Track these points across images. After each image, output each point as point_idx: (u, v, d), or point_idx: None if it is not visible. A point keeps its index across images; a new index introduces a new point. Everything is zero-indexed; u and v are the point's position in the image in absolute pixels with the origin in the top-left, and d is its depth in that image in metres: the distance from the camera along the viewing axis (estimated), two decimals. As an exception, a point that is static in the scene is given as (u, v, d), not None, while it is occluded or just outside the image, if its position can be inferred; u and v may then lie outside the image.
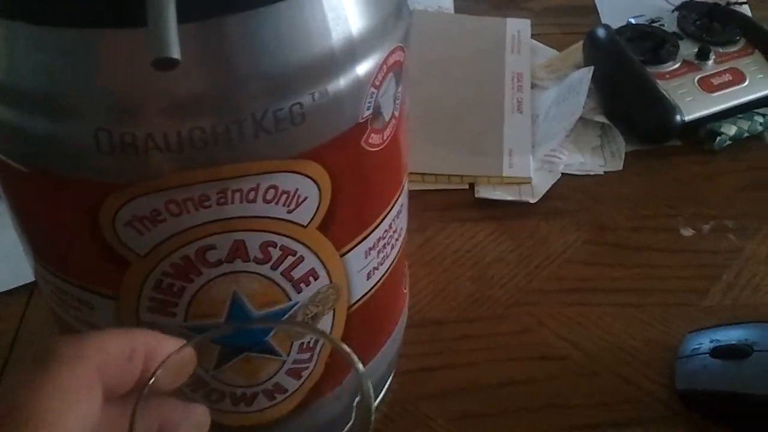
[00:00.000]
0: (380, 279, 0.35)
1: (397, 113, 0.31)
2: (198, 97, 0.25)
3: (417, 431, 0.41)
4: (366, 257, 0.33)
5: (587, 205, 0.53)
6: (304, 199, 0.29)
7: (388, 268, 0.35)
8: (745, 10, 0.67)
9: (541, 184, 0.54)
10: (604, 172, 0.55)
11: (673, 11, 0.65)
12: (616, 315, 0.46)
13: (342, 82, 0.27)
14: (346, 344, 0.29)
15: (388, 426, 0.41)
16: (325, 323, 0.33)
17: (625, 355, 0.44)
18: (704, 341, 0.42)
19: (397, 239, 0.36)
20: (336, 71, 0.27)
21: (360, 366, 0.27)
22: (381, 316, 0.38)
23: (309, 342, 0.33)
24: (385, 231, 0.34)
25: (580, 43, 0.65)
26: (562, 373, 0.43)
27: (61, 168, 0.27)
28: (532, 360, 0.44)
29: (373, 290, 0.35)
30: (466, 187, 0.55)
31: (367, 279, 0.34)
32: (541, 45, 0.68)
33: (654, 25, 0.63)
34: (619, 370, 0.43)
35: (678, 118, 0.56)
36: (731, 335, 0.41)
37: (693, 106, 0.57)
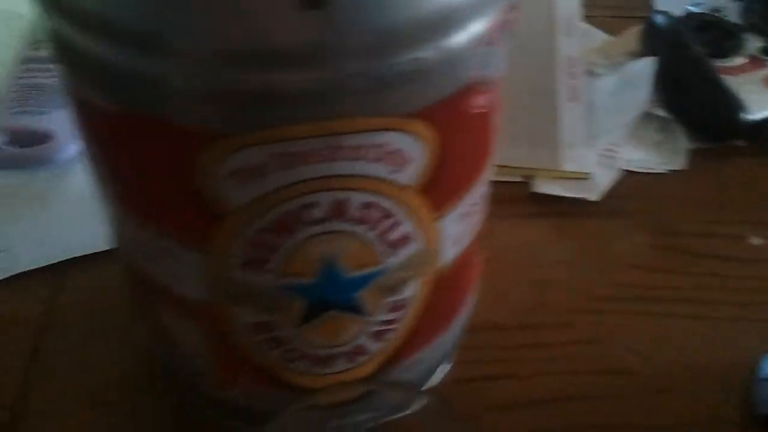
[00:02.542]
0: (464, 248, 0.35)
1: (501, 75, 0.31)
2: (316, 47, 0.24)
3: (479, 446, 0.38)
4: (458, 223, 0.33)
5: (650, 205, 0.50)
6: (409, 160, 0.28)
7: (473, 234, 0.35)
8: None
9: (602, 180, 0.51)
10: (667, 170, 0.52)
11: (735, 0, 0.61)
12: (686, 328, 0.43)
13: (460, 38, 0.26)
14: (428, 313, 0.32)
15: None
16: (411, 288, 0.33)
17: (696, 372, 0.41)
18: (787, 363, 0.39)
19: (482, 207, 0.35)
20: (455, 26, 0.26)
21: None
22: (461, 283, 0.38)
23: (398, 301, 0.33)
24: (477, 196, 0.34)
25: (635, 28, 0.61)
26: (628, 389, 0.41)
27: (164, 113, 0.26)
28: (597, 374, 0.42)
29: (459, 257, 0.34)
30: (520, 179, 0.51)
31: (455, 245, 0.34)
32: (591, 27, 0.65)
33: (716, 15, 0.60)
34: (690, 389, 0.41)
35: (745, 116, 0.53)
36: (818, 359, 0.39)
37: (759, 105, 0.54)
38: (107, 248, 0.37)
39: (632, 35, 0.62)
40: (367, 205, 0.29)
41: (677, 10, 0.61)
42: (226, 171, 0.27)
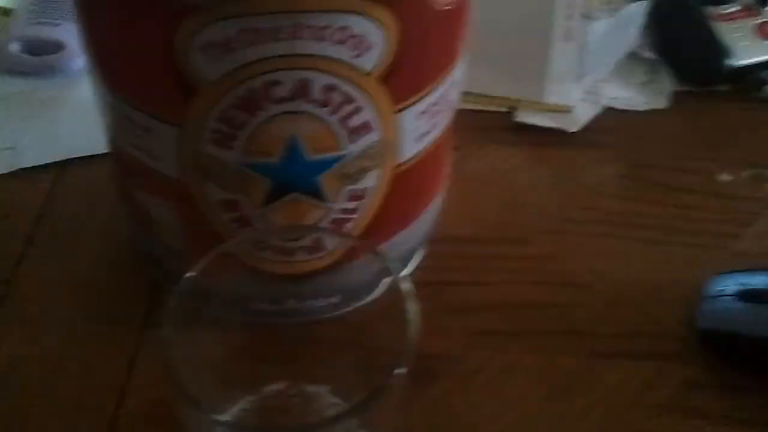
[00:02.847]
0: (428, 145, 0.37)
1: None
2: None
3: (434, 342, 0.41)
4: (419, 119, 0.35)
5: (627, 140, 0.52)
6: (371, 46, 0.31)
7: (437, 136, 0.37)
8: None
9: (583, 114, 0.53)
10: (649, 109, 0.54)
11: (737, -48, 0.63)
12: (644, 251, 0.46)
13: None
14: (388, 206, 0.35)
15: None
16: (371, 179, 0.35)
17: (648, 290, 0.44)
18: (731, 284, 0.42)
19: (448, 110, 0.38)
20: None
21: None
22: (423, 183, 0.40)
23: (359, 190, 0.36)
24: (439, 97, 0.36)
25: (637, -24, 0.63)
26: (583, 301, 0.44)
27: None
28: (555, 285, 0.44)
29: (421, 154, 0.37)
30: (506, 110, 0.54)
31: (417, 142, 0.36)
32: (597, -26, 0.66)
33: (716, -36, 0.61)
34: (641, 305, 0.43)
35: (729, 62, 0.55)
36: (759, 280, 0.41)
37: (746, 52, 0.55)
38: (105, 151, 0.40)
39: (634, -18, 0.63)
40: (330, 88, 0.32)
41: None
42: (199, 44, 0.30)
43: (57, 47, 0.53)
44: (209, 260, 0.32)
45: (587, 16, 0.61)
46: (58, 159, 0.49)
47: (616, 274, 0.45)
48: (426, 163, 0.38)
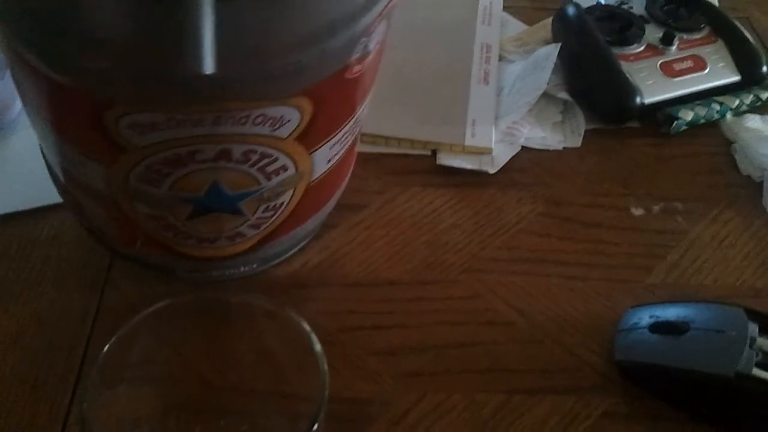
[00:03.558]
0: (337, 160, 0.40)
1: (380, 46, 0.35)
2: (219, 55, 0.28)
3: (364, 386, 0.42)
4: (330, 150, 0.38)
5: (544, 179, 0.54)
6: (288, 121, 0.33)
7: (343, 153, 0.40)
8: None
9: (501, 155, 0.55)
10: (563, 147, 0.57)
11: (642, -6, 0.66)
12: (563, 287, 0.48)
13: (340, 40, 0.31)
14: (300, 209, 0.39)
15: (336, 378, 0.42)
16: (286, 196, 0.38)
17: (567, 326, 0.46)
18: (644, 316, 0.44)
19: (356, 132, 0.40)
20: (335, 32, 0.31)
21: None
22: (331, 187, 0.43)
23: (274, 205, 0.38)
24: (347, 132, 0.38)
25: (550, 19, 0.66)
26: (507, 338, 0.45)
27: (72, 79, 0.31)
28: (479, 325, 0.46)
29: (330, 169, 0.39)
30: (429, 153, 0.55)
31: (327, 163, 0.39)
32: (512, 18, 0.69)
33: (623, 6, 0.64)
34: (561, 339, 0.45)
35: (638, 100, 0.57)
36: (670, 312, 0.43)
37: (654, 90, 0.58)
38: (44, 204, 0.42)
39: (546, 25, 0.66)
40: (249, 151, 0.34)
41: (590, 2, 0.65)
42: (125, 124, 0.31)
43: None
44: (126, 331, 0.33)
45: (503, 59, 0.64)
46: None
47: (537, 310, 0.46)
48: (333, 174, 0.41)
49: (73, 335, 0.43)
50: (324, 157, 0.38)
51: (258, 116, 0.32)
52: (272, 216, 0.40)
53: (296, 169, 0.36)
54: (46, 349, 0.43)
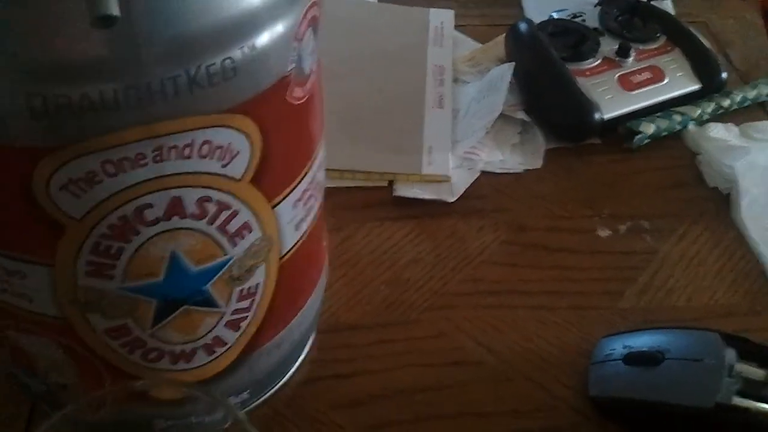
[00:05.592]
0: (306, 230, 0.37)
1: (315, 67, 0.33)
2: (133, 55, 0.26)
3: (327, 443, 0.40)
4: (294, 208, 0.35)
5: (506, 204, 0.52)
6: (237, 153, 0.30)
7: (313, 219, 0.37)
8: (667, 6, 0.67)
9: (460, 182, 0.53)
10: (524, 170, 0.55)
11: (595, 6, 0.64)
12: (531, 318, 0.46)
13: (268, 36, 0.29)
14: (279, 297, 0.35)
15: (296, 437, 0.39)
16: (259, 275, 0.35)
17: (539, 360, 0.44)
18: (617, 347, 0.42)
19: (318, 191, 0.38)
20: (262, 25, 0.29)
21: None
22: (308, 267, 0.40)
23: (248, 288, 0.35)
24: (309, 183, 0.36)
25: (503, 36, 0.64)
26: (476, 378, 0.43)
27: None
28: (446, 366, 0.43)
29: (301, 241, 0.36)
30: (386, 184, 0.53)
31: (296, 230, 0.36)
32: (464, 37, 0.67)
33: (576, 20, 0.63)
34: (533, 376, 0.43)
35: (597, 116, 0.56)
36: (644, 341, 0.41)
37: (612, 104, 0.57)
38: None
39: (500, 43, 0.64)
40: (203, 200, 0.31)
41: (543, 17, 0.63)
42: (59, 184, 0.28)
43: None
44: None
45: (457, 81, 0.62)
46: None
47: (506, 346, 0.44)
48: (306, 248, 0.37)
49: None
50: (290, 219, 0.35)
51: (203, 143, 0.29)
52: (249, 307, 0.36)
53: (261, 231, 0.33)
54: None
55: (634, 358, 0.40)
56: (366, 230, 0.51)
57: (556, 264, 0.49)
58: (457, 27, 0.67)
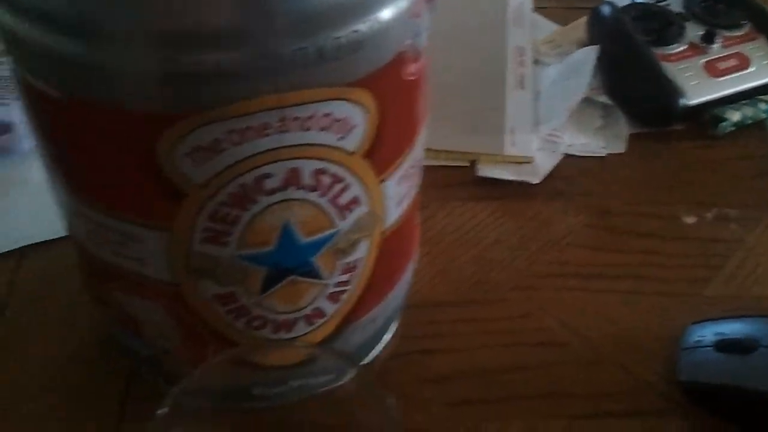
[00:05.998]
0: (406, 208, 0.37)
1: (426, 44, 0.33)
2: (266, 25, 0.26)
3: (416, 415, 0.40)
4: (399, 185, 0.35)
5: (589, 187, 0.52)
6: (353, 127, 0.31)
7: (413, 197, 0.38)
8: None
9: (544, 164, 0.53)
10: (607, 154, 0.54)
11: (678, -10, 0.63)
12: (618, 303, 0.45)
13: (392, 11, 0.29)
14: (378, 271, 0.36)
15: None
16: (361, 249, 0.35)
17: (624, 345, 0.43)
18: (707, 333, 0.41)
19: (418, 170, 0.38)
20: (386, 1, 0.29)
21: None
22: (405, 243, 0.40)
23: (351, 262, 0.35)
24: (413, 160, 0.36)
25: (583, 19, 0.63)
26: (561, 360, 0.43)
27: (114, 99, 0.28)
28: (531, 346, 0.44)
29: (401, 218, 0.37)
30: (467, 164, 0.53)
31: (397, 206, 0.36)
32: (543, 18, 0.66)
33: (660, 4, 0.62)
34: (620, 360, 0.43)
35: (682, 102, 0.55)
36: (736, 329, 0.41)
37: (698, 90, 0.56)
38: (63, 235, 0.38)
39: (580, 26, 0.64)
40: (319, 172, 0.31)
41: (624, 1, 0.63)
42: (184, 151, 0.28)
43: (5, 128, 0.51)
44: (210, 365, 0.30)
45: (538, 63, 0.61)
46: (15, 247, 0.47)
47: (592, 329, 0.44)
48: (405, 225, 0.38)
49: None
50: (394, 195, 0.35)
51: (323, 116, 0.29)
52: (350, 280, 0.36)
53: (368, 206, 0.34)
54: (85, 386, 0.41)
55: (726, 345, 0.40)
56: (448, 209, 0.51)
57: (642, 249, 0.48)
58: (534, 9, 0.67)
